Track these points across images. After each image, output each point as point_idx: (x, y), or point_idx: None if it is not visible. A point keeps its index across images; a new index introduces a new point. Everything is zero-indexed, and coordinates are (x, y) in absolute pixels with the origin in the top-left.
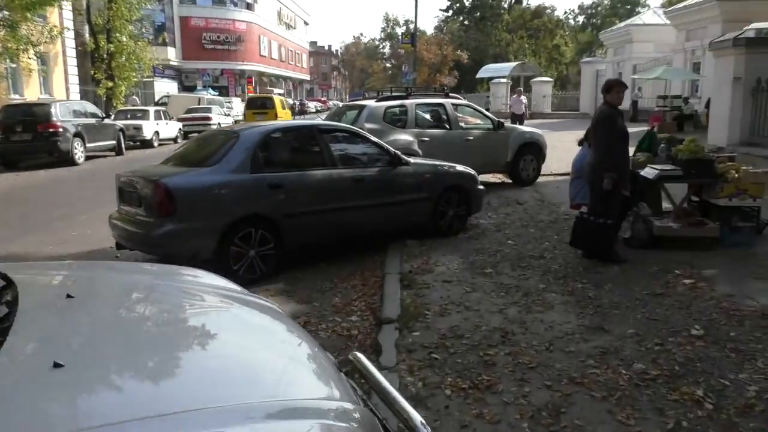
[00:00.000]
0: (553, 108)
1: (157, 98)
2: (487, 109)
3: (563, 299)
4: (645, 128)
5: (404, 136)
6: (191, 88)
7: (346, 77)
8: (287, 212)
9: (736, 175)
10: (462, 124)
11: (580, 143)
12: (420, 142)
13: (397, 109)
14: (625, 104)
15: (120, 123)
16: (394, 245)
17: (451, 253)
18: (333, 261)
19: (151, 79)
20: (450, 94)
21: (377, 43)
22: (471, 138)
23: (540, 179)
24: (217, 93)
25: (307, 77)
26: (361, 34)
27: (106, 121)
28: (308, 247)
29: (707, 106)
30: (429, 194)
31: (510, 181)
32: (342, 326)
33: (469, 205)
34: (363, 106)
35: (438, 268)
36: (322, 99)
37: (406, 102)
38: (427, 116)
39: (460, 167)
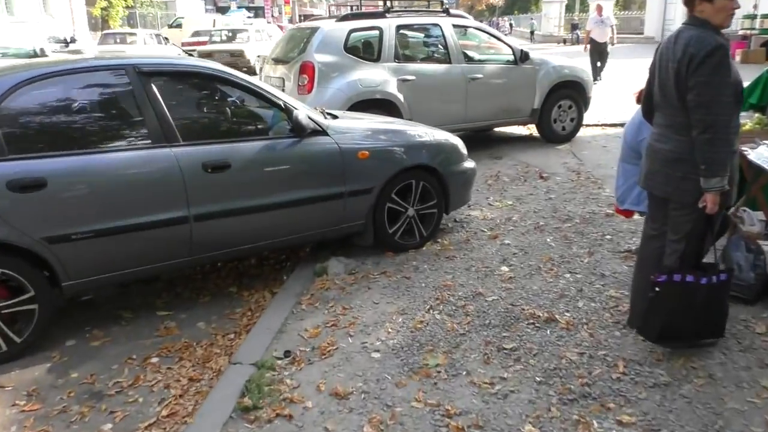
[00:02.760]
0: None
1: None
2: (532, 34)
3: None
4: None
5: (375, 75)
6: (224, 10)
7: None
8: (60, 233)
9: None
10: (468, 55)
11: (641, 99)
12: (401, 82)
13: (366, 34)
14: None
15: (102, 48)
16: (301, 272)
17: (389, 297)
18: (183, 300)
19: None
20: (452, 12)
21: None
22: (480, 76)
23: (580, 133)
24: (252, 15)
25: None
26: None
27: (72, 47)
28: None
29: None
30: (367, 183)
31: (538, 135)
32: None
33: (446, 197)
34: (314, 30)
35: (342, 344)
36: None
37: (382, 23)
38: (415, 44)
39: (429, 133)
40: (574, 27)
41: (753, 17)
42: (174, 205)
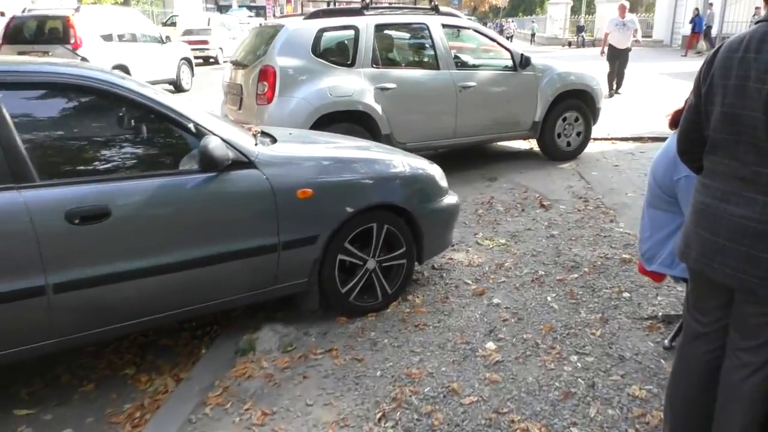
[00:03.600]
0: None
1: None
2: (533, 37)
3: None
4: None
5: (348, 82)
6: (225, 8)
7: None
8: None
9: None
10: (460, 60)
11: (675, 123)
12: (380, 91)
13: (340, 34)
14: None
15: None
16: (221, 346)
17: (329, 394)
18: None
19: None
20: (442, 10)
21: None
22: (473, 84)
23: (588, 148)
24: (254, 14)
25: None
26: None
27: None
28: None
29: None
30: (310, 231)
31: (539, 150)
32: None
33: (418, 244)
34: (278, 28)
35: None
36: None
37: (359, 21)
38: (397, 46)
39: (397, 161)
40: (579, 29)
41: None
42: (22, 271)
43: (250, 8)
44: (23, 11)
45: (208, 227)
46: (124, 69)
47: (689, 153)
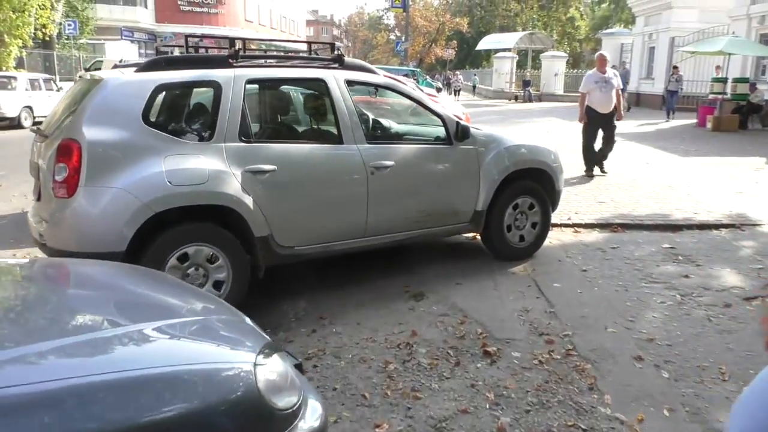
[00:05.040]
0: (565, 89)
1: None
2: (474, 89)
3: None
4: (684, 123)
5: (200, 163)
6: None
7: (349, 49)
8: None
9: None
10: (372, 130)
11: None
12: (252, 175)
13: (189, 93)
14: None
15: None
16: None
17: None
18: None
19: (101, 42)
20: (347, 61)
21: (381, 13)
22: (390, 163)
23: (546, 241)
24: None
25: (304, 47)
26: (365, 4)
27: None
28: None
29: None
30: None
31: (485, 246)
32: None
33: None
34: (95, 83)
35: None
36: None
37: (221, 75)
38: (281, 112)
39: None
40: (526, 84)
41: (723, 81)
42: None
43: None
44: None
45: None
46: None
47: None
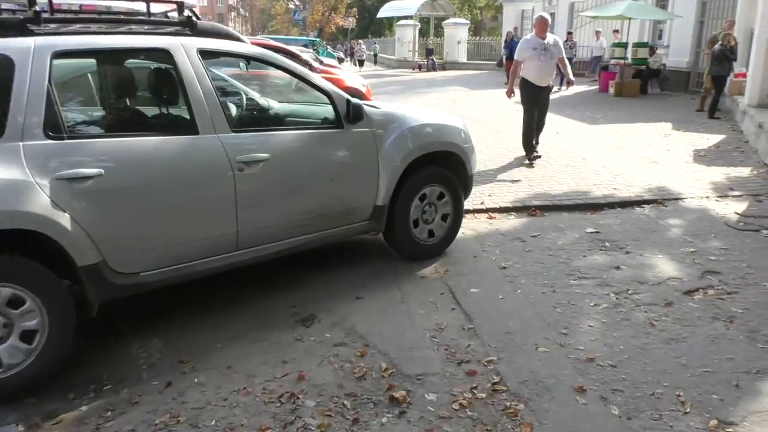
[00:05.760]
0: (468, 57)
1: None
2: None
3: None
4: (585, 90)
5: None
6: None
7: (246, 19)
8: None
9: None
10: (237, 115)
11: None
12: (67, 184)
13: None
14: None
15: None
16: None
17: None
18: None
19: None
20: (201, 25)
21: None
22: (263, 156)
23: (462, 232)
24: None
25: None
26: None
27: None
28: None
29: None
30: None
31: (388, 246)
32: None
33: None
34: None
35: None
36: None
37: (16, 47)
38: (107, 95)
39: None
40: (429, 52)
41: (623, 45)
42: None
43: None
44: None
45: None
46: None
47: None
